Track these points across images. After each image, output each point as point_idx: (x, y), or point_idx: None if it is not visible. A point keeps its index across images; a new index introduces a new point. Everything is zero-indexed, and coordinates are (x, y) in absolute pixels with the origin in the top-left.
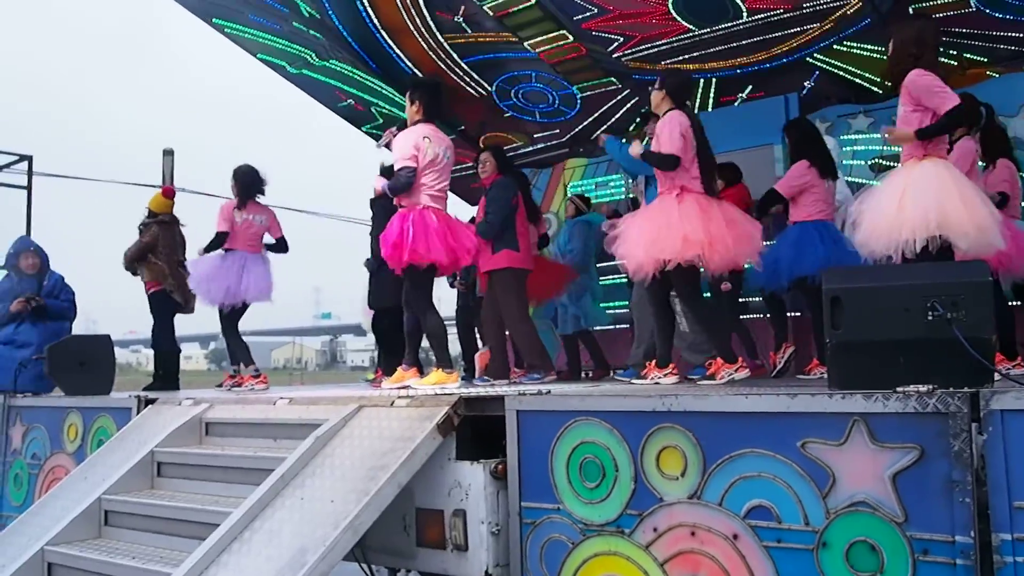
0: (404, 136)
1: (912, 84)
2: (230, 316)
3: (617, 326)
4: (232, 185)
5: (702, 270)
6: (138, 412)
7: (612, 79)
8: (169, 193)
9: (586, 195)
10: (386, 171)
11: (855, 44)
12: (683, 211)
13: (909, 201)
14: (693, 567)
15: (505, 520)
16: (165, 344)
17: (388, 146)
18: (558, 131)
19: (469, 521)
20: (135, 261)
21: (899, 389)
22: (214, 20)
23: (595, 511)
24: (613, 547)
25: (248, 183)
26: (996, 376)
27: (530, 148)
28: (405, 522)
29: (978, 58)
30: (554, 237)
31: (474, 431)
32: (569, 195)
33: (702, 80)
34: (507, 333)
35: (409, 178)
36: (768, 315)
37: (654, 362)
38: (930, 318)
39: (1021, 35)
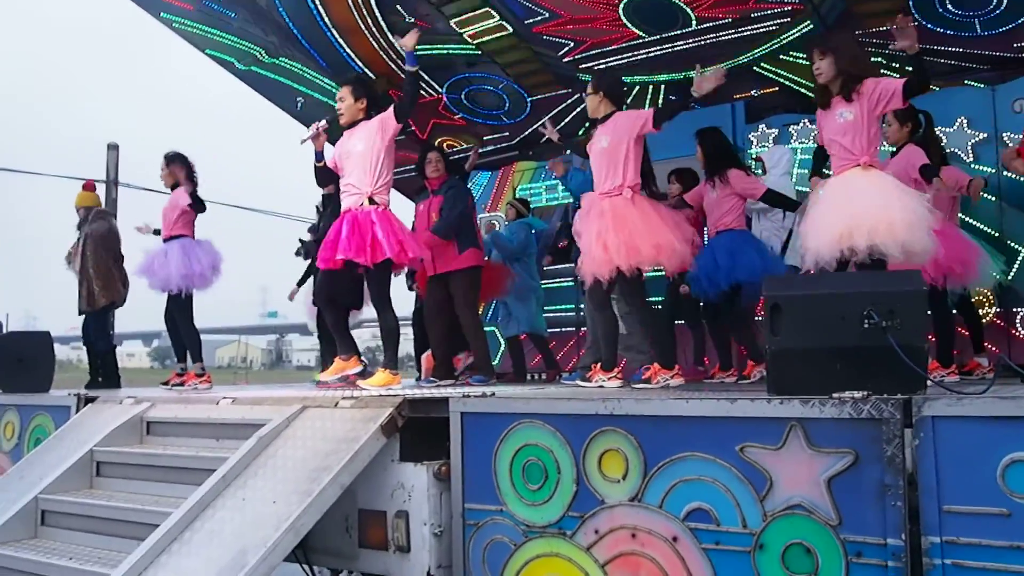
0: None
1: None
2: (188, 303)
3: (562, 329)
4: (177, 169)
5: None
6: (77, 410)
7: (562, 84)
8: (89, 187)
9: (527, 199)
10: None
11: (801, 55)
12: (643, 215)
13: (896, 201)
14: (633, 569)
15: (448, 521)
16: (100, 344)
17: (315, 140)
18: (508, 134)
19: (412, 522)
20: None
21: (835, 395)
22: (162, 15)
23: (537, 513)
24: (555, 549)
25: (193, 168)
26: (929, 383)
27: (480, 150)
28: (347, 523)
29: None
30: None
31: (418, 432)
32: (512, 198)
33: (651, 86)
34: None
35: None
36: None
37: (599, 365)
38: (866, 326)
39: (960, 50)
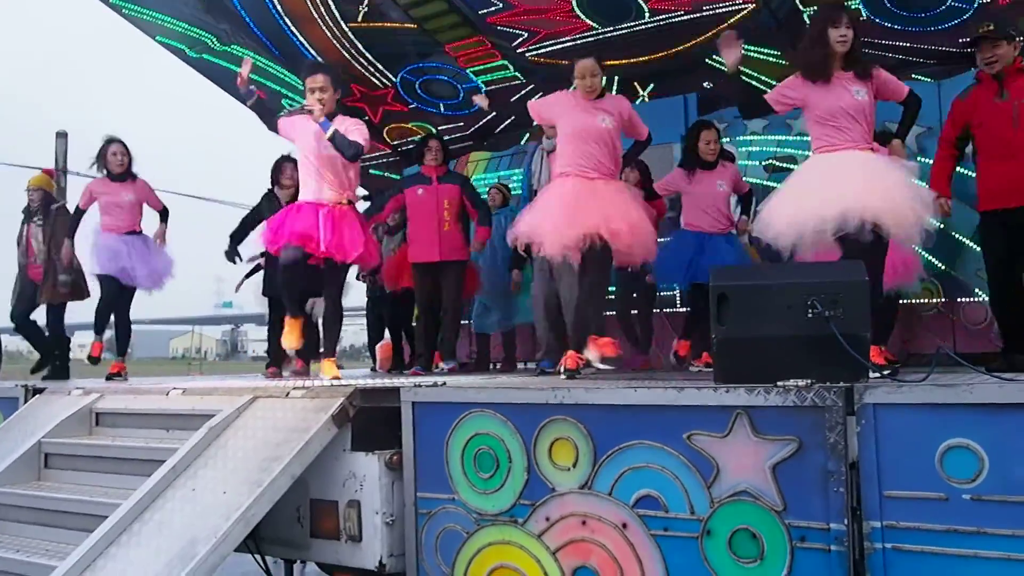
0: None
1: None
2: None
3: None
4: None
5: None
6: (25, 401)
7: (517, 74)
8: (51, 173)
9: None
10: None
11: (753, 48)
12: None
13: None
14: (584, 556)
15: (400, 511)
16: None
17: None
18: (462, 124)
19: (363, 512)
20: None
21: (779, 383)
22: (111, 0)
23: (489, 501)
24: (507, 536)
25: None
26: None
27: None
28: (299, 513)
29: None
30: None
31: (369, 422)
32: (495, 182)
33: (604, 79)
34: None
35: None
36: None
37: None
38: (810, 315)
39: (908, 44)
